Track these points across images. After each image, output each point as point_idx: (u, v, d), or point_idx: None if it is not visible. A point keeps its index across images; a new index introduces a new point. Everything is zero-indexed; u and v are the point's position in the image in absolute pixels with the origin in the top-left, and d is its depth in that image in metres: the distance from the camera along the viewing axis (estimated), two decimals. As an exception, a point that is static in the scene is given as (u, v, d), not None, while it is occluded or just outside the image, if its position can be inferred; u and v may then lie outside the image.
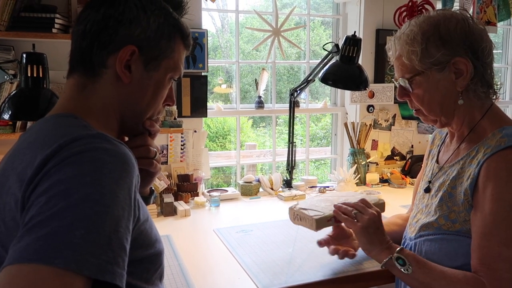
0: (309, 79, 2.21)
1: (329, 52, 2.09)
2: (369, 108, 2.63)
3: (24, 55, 1.53)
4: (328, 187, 2.36)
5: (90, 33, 0.77)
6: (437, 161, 1.19)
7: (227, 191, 2.23)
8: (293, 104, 2.36)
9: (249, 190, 2.24)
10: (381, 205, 1.37)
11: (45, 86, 1.55)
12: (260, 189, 2.30)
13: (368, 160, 2.55)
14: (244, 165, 2.81)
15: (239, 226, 1.72)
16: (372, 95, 2.60)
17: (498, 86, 1.07)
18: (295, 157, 2.42)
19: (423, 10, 2.33)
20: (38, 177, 0.62)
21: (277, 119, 5.65)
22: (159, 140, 2.18)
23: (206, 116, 2.28)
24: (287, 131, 2.41)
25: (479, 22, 1.06)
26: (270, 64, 2.58)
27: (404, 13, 2.38)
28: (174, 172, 2.18)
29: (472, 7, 2.23)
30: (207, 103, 2.27)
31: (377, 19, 2.57)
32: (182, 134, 2.21)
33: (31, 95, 1.53)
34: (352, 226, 1.15)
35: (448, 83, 1.03)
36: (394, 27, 2.44)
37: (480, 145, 1.02)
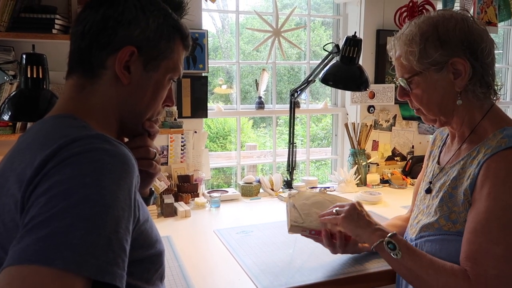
0: (310, 79, 2.20)
1: (330, 53, 2.08)
2: (370, 108, 2.63)
3: (24, 56, 1.53)
4: (328, 187, 2.36)
5: (89, 33, 0.77)
6: (438, 162, 1.19)
7: (227, 191, 2.23)
8: (294, 105, 2.35)
9: (250, 191, 2.23)
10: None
11: (45, 87, 1.55)
12: (261, 190, 2.30)
13: (368, 161, 2.54)
14: (245, 165, 2.81)
15: (239, 227, 1.72)
16: (372, 96, 2.59)
17: (499, 87, 1.07)
18: (295, 157, 2.41)
19: (424, 11, 2.32)
20: (38, 177, 0.62)
21: (278, 120, 5.64)
22: (159, 141, 2.18)
23: (207, 117, 2.28)
24: (288, 132, 2.40)
25: (480, 22, 1.06)
26: (271, 64, 2.58)
27: (405, 14, 2.37)
28: (175, 173, 2.17)
29: (472, 7, 2.23)
30: (208, 103, 2.27)
31: (377, 19, 2.57)
32: (182, 134, 2.21)
33: (31, 96, 1.53)
34: (336, 220, 1.19)
35: (447, 84, 1.03)
36: (395, 28, 2.43)
37: (481, 145, 1.02)
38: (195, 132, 2.26)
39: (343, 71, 1.96)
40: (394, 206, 2.01)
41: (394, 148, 2.72)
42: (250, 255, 1.42)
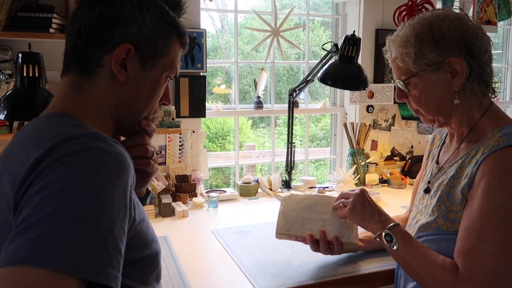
0: (308, 79, 2.20)
1: (328, 52, 2.07)
2: (369, 108, 2.62)
3: (20, 55, 1.52)
4: (327, 187, 2.35)
5: (85, 31, 0.76)
6: (437, 162, 1.18)
7: (225, 191, 2.22)
8: (292, 105, 2.34)
9: (248, 191, 2.23)
10: None
11: (41, 86, 1.54)
12: (259, 190, 2.29)
13: (367, 161, 2.53)
14: (243, 165, 2.80)
15: (237, 227, 1.71)
16: (371, 95, 2.59)
17: (497, 85, 1.07)
18: (294, 157, 2.41)
19: (423, 9, 2.32)
20: (31, 177, 0.61)
21: (277, 120, 5.64)
22: (157, 141, 2.17)
23: (205, 117, 2.27)
24: (287, 132, 2.40)
25: (475, 21, 1.05)
26: (269, 64, 2.57)
27: (404, 13, 2.37)
28: (172, 173, 2.16)
29: (472, 7, 2.23)
30: (206, 103, 2.26)
31: (376, 19, 2.56)
32: (180, 134, 2.20)
33: (27, 95, 1.52)
34: (344, 213, 1.21)
35: (444, 83, 1.03)
36: (394, 27, 2.42)
37: (480, 144, 1.02)
38: (194, 132, 2.25)
39: (342, 70, 1.95)
40: (393, 206, 2.01)
41: (393, 148, 2.71)
42: (248, 255, 1.41)
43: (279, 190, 2.29)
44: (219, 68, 6.81)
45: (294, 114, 2.39)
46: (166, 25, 0.81)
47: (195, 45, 2.15)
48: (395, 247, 1.05)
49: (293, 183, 2.35)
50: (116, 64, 0.76)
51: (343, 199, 1.24)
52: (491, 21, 2.29)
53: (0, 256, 0.56)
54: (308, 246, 1.27)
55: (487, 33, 1.06)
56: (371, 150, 2.64)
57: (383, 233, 1.08)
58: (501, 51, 3.25)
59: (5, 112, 1.50)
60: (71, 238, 0.55)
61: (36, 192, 0.59)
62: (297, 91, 2.29)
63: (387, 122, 2.68)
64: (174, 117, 2.12)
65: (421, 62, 1.02)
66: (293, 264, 1.33)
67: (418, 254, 1.01)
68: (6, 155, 0.71)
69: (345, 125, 2.54)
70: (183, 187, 2.09)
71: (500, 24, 2.60)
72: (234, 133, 2.58)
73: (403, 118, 2.70)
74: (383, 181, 2.50)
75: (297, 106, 2.50)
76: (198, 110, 2.23)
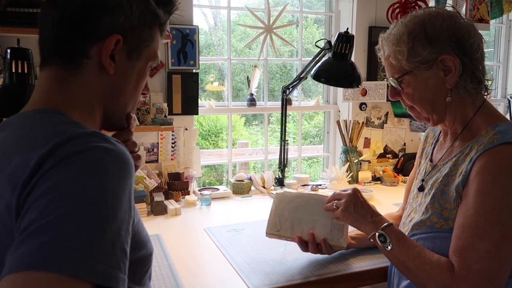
0: (301, 76, 2.19)
1: (322, 49, 2.07)
2: (362, 106, 2.62)
3: (9, 51, 1.49)
4: (320, 185, 2.35)
5: (69, 21, 0.71)
6: (431, 160, 1.18)
7: (218, 189, 2.21)
8: (286, 102, 2.34)
9: (241, 189, 2.22)
10: None
11: (30, 82, 1.51)
12: (252, 188, 2.28)
13: (360, 158, 2.54)
14: (236, 163, 2.79)
15: (230, 225, 1.70)
16: (364, 93, 2.59)
17: (490, 82, 1.07)
18: (287, 155, 2.40)
19: (416, 7, 2.32)
20: (34, 179, 0.58)
21: (270, 117, 5.63)
22: (149, 138, 2.15)
23: (197, 114, 2.26)
24: (280, 129, 2.39)
25: (467, 18, 1.05)
26: (262, 61, 2.56)
27: (397, 10, 2.36)
28: (165, 171, 2.15)
29: (465, 4, 2.23)
30: (199, 100, 2.24)
31: (370, 16, 2.56)
32: (173, 132, 2.18)
33: (16, 91, 1.49)
34: (336, 214, 1.21)
35: (437, 81, 1.03)
36: (387, 24, 2.40)
37: (474, 142, 1.02)
38: (186, 129, 2.23)
39: (335, 68, 1.94)
40: (385, 204, 2.01)
41: (386, 145, 2.72)
42: (241, 253, 1.40)
43: (272, 187, 2.28)
44: (212, 65, 6.78)
45: (287, 112, 2.39)
46: (151, 14, 0.78)
47: (187, 42, 2.13)
48: (389, 248, 1.04)
49: (286, 181, 2.35)
50: (106, 56, 0.72)
51: (336, 201, 1.24)
52: (484, 19, 2.30)
53: (7, 262, 0.53)
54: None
55: (479, 31, 1.06)
56: (364, 147, 2.65)
57: (377, 234, 1.07)
58: (493, 49, 3.27)
59: (-6, 109, 1.47)
60: (83, 242, 0.54)
61: (41, 194, 0.56)
62: (290, 89, 2.28)
63: (380, 119, 2.68)
64: (167, 115, 2.10)
65: (414, 60, 1.02)
66: (286, 262, 1.33)
67: (412, 253, 1.01)
68: None
69: (338, 122, 2.54)
70: (176, 185, 2.07)
71: (492, 22, 2.62)
72: (227, 131, 2.56)
73: (396, 115, 2.71)
74: (376, 179, 2.51)
75: (290, 104, 2.49)
76: (190, 107, 2.21)
